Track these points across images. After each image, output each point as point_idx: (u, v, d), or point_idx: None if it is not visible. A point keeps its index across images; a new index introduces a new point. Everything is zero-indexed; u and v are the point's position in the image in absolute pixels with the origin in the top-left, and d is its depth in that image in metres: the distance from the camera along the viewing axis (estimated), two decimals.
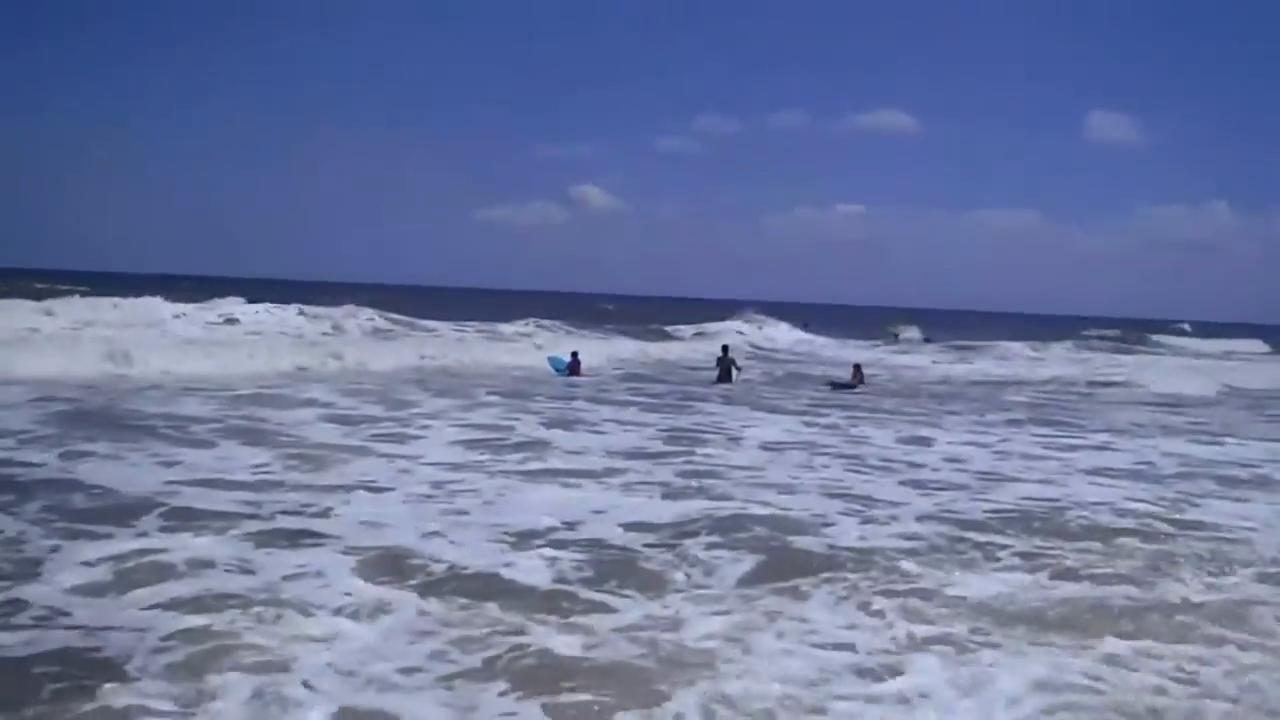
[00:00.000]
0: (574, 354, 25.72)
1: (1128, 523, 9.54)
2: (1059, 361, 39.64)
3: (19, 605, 6.13)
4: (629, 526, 8.76)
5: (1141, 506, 10.36)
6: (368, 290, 68.72)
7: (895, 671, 5.65)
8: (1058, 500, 10.61)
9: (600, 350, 31.18)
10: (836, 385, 24.51)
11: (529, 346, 31.23)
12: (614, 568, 7.47)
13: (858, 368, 26.46)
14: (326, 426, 14.13)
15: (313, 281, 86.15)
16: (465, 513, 9.11)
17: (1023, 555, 8.22)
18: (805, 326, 51.78)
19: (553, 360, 25.96)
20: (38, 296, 34.32)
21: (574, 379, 24.11)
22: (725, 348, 26.98)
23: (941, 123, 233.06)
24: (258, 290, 42.48)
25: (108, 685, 5.02)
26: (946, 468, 12.73)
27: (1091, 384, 29.15)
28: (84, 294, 38.10)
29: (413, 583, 6.91)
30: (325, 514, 8.80)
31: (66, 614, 6.03)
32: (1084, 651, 6.01)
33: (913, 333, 58.41)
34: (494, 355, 29.10)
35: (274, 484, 10.01)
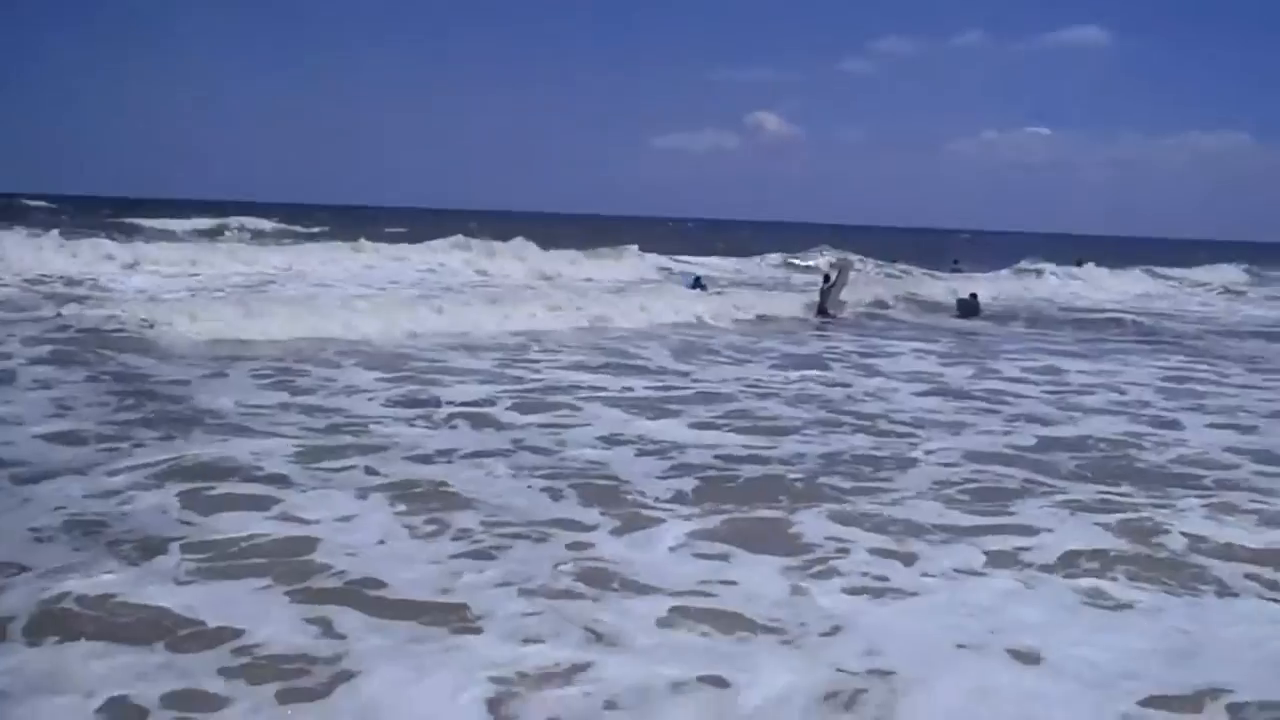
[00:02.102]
0: (696, 277, 25.78)
1: None
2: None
3: None
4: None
5: None
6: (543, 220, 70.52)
7: None
8: None
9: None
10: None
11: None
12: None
13: (971, 297, 24.88)
14: None
15: (482, 210, 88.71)
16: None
17: None
18: (955, 264, 42.51)
19: (685, 276, 26.37)
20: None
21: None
22: (826, 276, 23.84)
23: (1138, 38, 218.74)
24: (436, 223, 43.53)
25: None
26: None
27: None
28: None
29: None
30: None
31: None
32: None
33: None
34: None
35: None
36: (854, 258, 33.31)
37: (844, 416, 10.98)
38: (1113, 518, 7.29)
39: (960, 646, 5.11)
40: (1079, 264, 41.12)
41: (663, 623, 5.29)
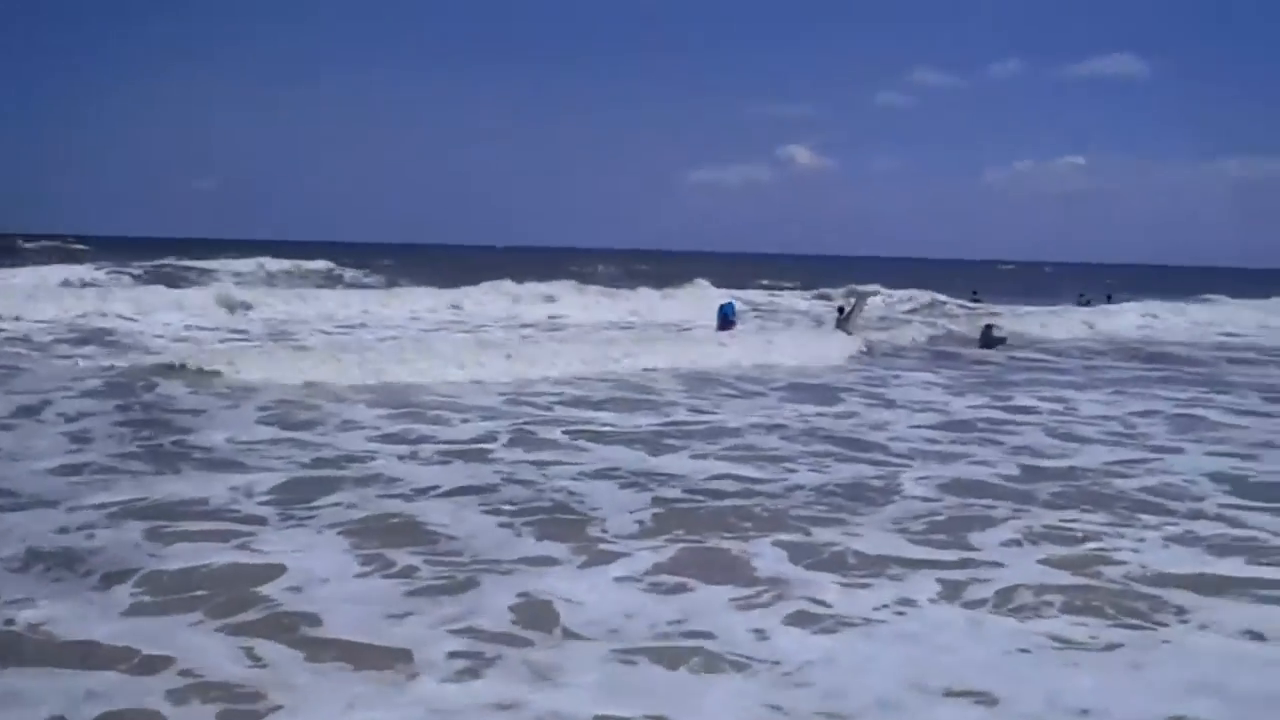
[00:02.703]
0: (725, 315, 25.60)
1: None
2: None
3: None
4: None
5: None
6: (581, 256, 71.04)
7: None
8: None
9: None
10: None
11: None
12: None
13: (988, 329, 24.59)
14: None
15: (529, 247, 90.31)
16: None
17: None
18: (975, 295, 41.45)
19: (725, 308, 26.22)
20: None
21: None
22: (840, 309, 26.57)
23: (1173, 64, 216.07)
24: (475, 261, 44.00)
25: None
26: None
27: None
28: None
29: None
30: None
31: None
32: None
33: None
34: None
35: None
36: (871, 290, 33.38)
37: (841, 447, 10.99)
38: (1073, 550, 7.28)
39: (912, 686, 5.06)
40: (1109, 298, 40.43)
41: (607, 659, 5.29)
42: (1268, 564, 7.06)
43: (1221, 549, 7.42)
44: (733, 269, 59.42)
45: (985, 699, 4.93)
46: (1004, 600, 6.26)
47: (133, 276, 34.84)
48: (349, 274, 45.13)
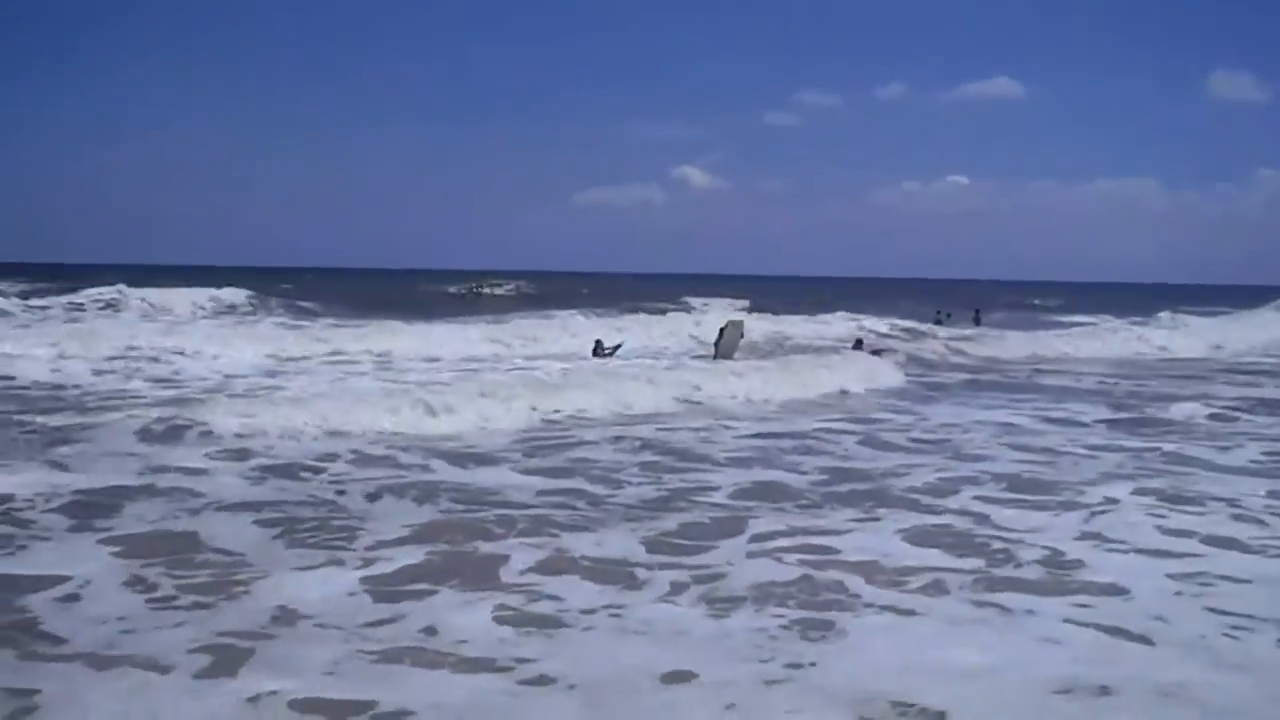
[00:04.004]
0: (598, 341, 25.57)
1: None
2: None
3: None
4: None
5: None
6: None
7: None
8: None
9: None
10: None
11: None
12: None
13: (859, 343, 25.68)
14: None
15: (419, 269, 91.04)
16: None
17: None
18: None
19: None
20: None
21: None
22: (721, 330, 25.56)
23: (1051, 89, 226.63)
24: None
25: None
26: None
27: None
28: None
29: None
30: None
31: None
32: None
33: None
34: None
35: None
36: (747, 316, 32.99)
37: (667, 458, 11.38)
38: (807, 541, 7.87)
39: (644, 674, 5.36)
40: (977, 320, 41.16)
41: (344, 654, 5.53)
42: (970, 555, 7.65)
43: (957, 544, 7.94)
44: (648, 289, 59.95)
45: (703, 682, 5.27)
46: (734, 594, 6.64)
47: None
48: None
